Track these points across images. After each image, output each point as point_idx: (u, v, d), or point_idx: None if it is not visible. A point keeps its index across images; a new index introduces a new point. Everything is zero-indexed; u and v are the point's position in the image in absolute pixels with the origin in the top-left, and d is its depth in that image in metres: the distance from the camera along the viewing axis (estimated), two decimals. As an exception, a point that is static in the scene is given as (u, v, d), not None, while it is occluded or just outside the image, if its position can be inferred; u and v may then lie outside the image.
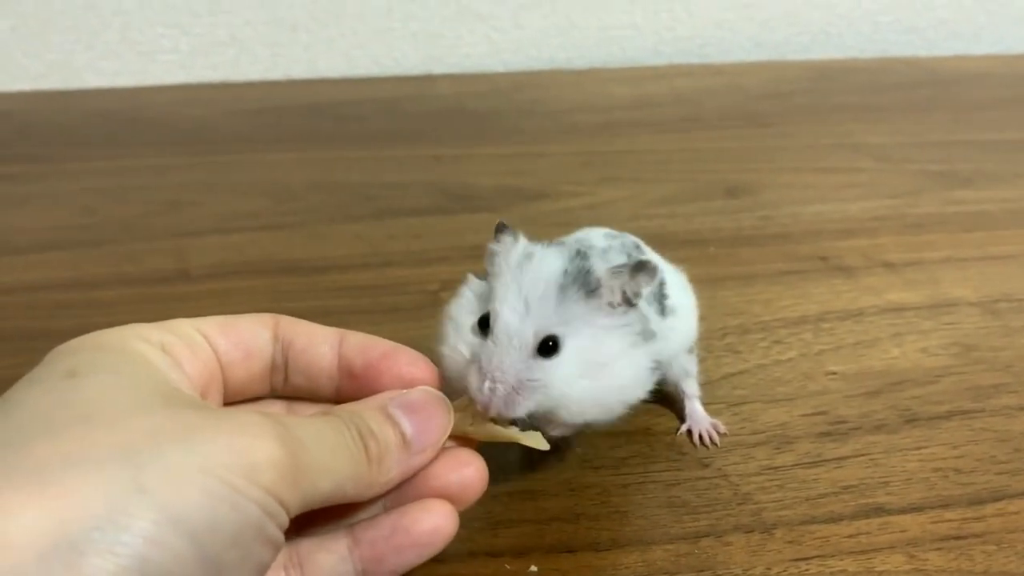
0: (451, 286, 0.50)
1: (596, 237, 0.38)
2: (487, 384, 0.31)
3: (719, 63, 0.90)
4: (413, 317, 0.48)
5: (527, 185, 0.64)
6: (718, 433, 0.39)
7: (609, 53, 0.90)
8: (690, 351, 0.40)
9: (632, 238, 0.39)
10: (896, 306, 0.49)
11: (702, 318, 0.47)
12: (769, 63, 0.90)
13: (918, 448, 0.39)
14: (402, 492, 0.30)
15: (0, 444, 0.23)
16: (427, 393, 0.30)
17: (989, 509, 0.36)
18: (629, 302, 0.32)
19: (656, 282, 0.33)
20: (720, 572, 0.33)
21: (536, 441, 0.32)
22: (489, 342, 0.31)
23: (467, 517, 0.34)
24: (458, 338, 0.33)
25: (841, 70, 0.87)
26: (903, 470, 0.38)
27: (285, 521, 0.25)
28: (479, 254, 0.54)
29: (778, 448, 0.39)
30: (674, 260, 0.53)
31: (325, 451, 0.27)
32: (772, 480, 0.37)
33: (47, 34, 0.82)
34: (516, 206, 0.61)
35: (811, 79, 0.85)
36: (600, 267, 0.32)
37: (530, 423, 0.32)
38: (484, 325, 0.32)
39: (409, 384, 0.31)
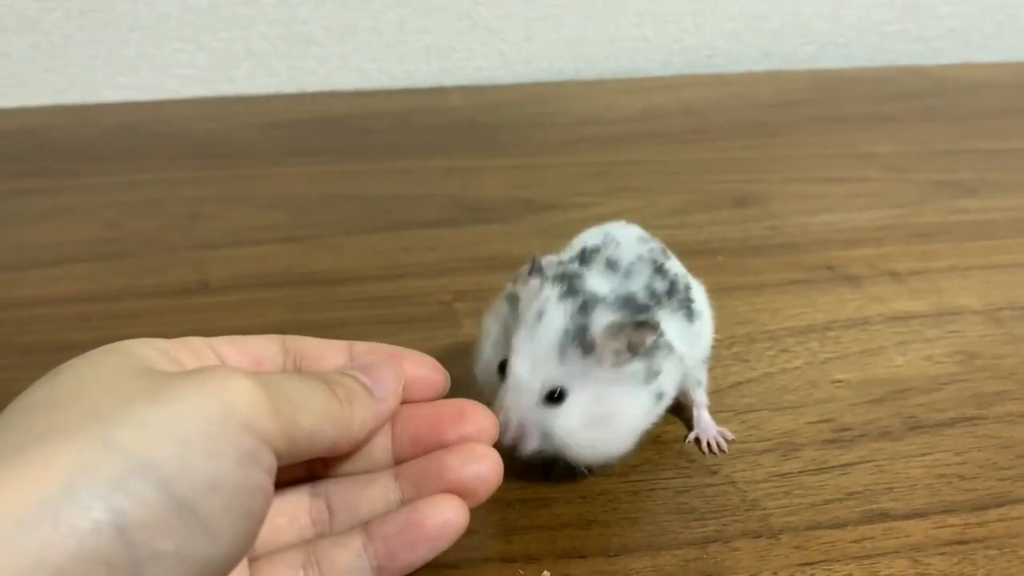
0: (465, 297, 0.52)
1: (627, 241, 0.40)
2: (500, 419, 0.34)
3: (727, 73, 0.91)
4: (428, 327, 0.49)
5: (538, 197, 0.65)
6: (725, 440, 0.40)
7: (618, 65, 0.91)
8: (704, 361, 0.41)
9: (659, 244, 0.41)
10: (901, 315, 0.50)
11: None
12: (777, 73, 0.91)
13: (922, 455, 0.40)
14: (419, 485, 0.31)
15: None
16: (375, 355, 0.33)
17: (992, 515, 0.37)
18: (634, 351, 0.35)
19: (659, 330, 0.36)
20: (728, 576, 0.34)
21: None
22: (504, 387, 0.35)
23: (481, 523, 0.36)
24: (486, 375, 0.37)
25: (848, 80, 0.88)
26: (907, 476, 0.39)
27: (271, 462, 0.26)
28: (492, 265, 0.56)
29: (785, 455, 0.40)
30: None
31: (297, 392, 0.28)
32: (779, 487, 0.38)
33: (67, 50, 0.83)
34: (527, 217, 0.62)
35: (818, 89, 0.86)
36: (599, 324, 0.34)
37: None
38: (503, 370, 0.35)
39: (415, 383, 0.33)
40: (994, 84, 0.86)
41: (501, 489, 0.37)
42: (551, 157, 0.72)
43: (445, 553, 0.33)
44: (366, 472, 0.32)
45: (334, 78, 0.88)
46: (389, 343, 0.34)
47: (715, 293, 0.52)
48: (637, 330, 0.34)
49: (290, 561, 0.30)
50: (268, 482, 0.26)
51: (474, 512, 0.35)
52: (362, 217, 0.62)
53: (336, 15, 0.86)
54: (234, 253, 0.58)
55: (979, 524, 0.36)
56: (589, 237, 0.41)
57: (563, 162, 0.71)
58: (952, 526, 0.36)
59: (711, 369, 0.45)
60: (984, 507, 0.37)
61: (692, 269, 0.54)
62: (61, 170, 0.70)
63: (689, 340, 0.39)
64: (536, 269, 0.37)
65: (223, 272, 0.55)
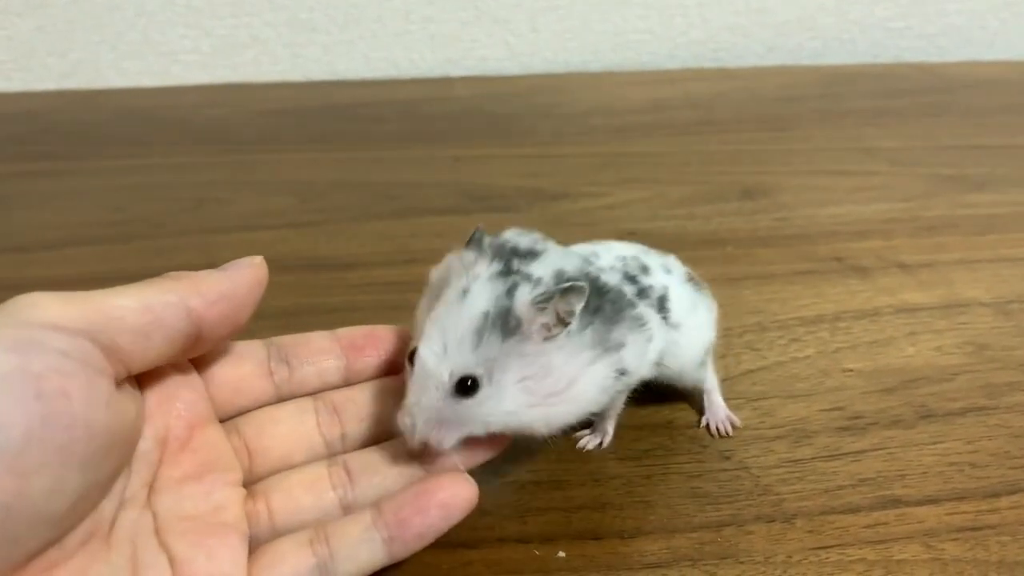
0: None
1: (608, 253, 0.39)
2: (407, 420, 0.32)
3: (733, 67, 0.91)
4: (437, 313, 0.49)
5: (546, 186, 0.65)
6: (732, 426, 0.40)
7: (624, 57, 0.91)
8: (701, 364, 0.40)
9: (641, 261, 0.39)
10: (910, 306, 0.50)
11: (720, 316, 0.48)
12: (782, 68, 0.91)
13: (934, 443, 0.40)
14: None
15: None
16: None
17: (1003, 502, 0.37)
18: (564, 323, 0.32)
19: (583, 300, 0.32)
20: (743, 559, 0.34)
21: None
22: (411, 379, 0.32)
23: (496, 504, 0.36)
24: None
25: (854, 75, 0.88)
26: (919, 464, 0.39)
27: (64, 344, 0.26)
28: None
29: (797, 442, 0.40)
30: (692, 260, 0.54)
31: (111, 290, 0.29)
32: (792, 472, 0.38)
33: (72, 34, 0.83)
34: (536, 206, 0.62)
35: (824, 84, 0.86)
36: (522, 301, 0.32)
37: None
38: (412, 359, 0.32)
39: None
40: (1000, 81, 0.86)
41: (516, 471, 0.38)
42: (559, 147, 0.72)
43: (461, 533, 0.34)
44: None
45: (339, 67, 0.88)
46: (398, 327, 0.36)
47: (725, 283, 0.52)
48: (564, 297, 0.31)
49: (298, 538, 0.30)
50: (65, 362, 0.26)
51: (489, 493, 0.36)
52: (370, 204, 0.62)
53: (341, 4, 0.86)
54: (242, 237, 0.57)
55: (991, 511, 0.36)
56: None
57: (571, 152, 0.71)
58: (965, 513, 0.36)
59: (722, 357, 0.45)
60: (996, 494, 0.37)
61: (701, 259, 0.54)
62: (67, 154, 0.69)
63: (668, 344, 0.37)
64: (475, 241, 0.34)
65: (231, 256, 0.54)
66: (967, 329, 0.48)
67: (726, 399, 0.42)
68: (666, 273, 0.39)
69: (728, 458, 0.39)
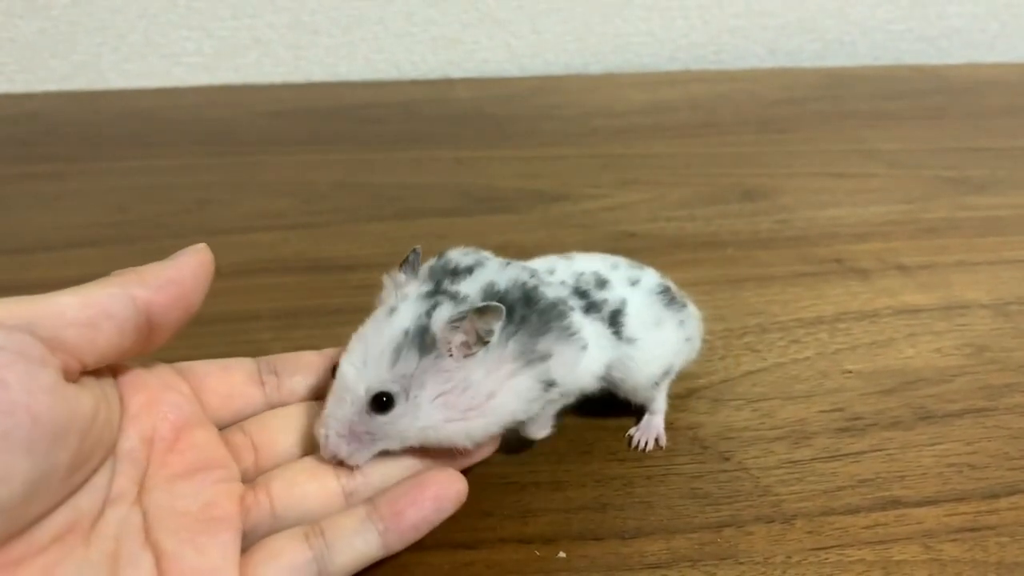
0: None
1: (564, 268, 0.39)
2: (322, 431, 0.33)
3: (734, 70, 0.91)
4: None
5: (547, 187, 0.65)
6: (656, 444, 0.40)
7: (625, 59, 0.91)
8: (655, 386, 0.39)
9: (602, 275, 0.39)
10: (910, 308, 0.50)
11: (720, 318, 0.48)
12: (783, 70, 0.91)
13: (933, 444, 0.40)
14: None
15: None
16: None
17: (1002, 503, 0.37)
18: (484, 341, 0.32)
19: (500, 321, 0.32)
20: (742, 560, 0.34)
21: None
22: (331, 390, 0.33)
23: (497, 505, 0.36)
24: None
25: (854, 77, 0.88)
26: (918, 465, 0.39)
27: (8, 339, 0.27)
28: (503, 253, 0.54)
29: (797, 443, 0.40)
30: (693, 262, 0.55)
31: (60, 291, 0.29)
32: (791, 473, 0.38)
33: (74, 36, 0.83)
34: (537, 207, 0.62)
35: (825, 86, 0.86)
36: (439, 320, 0.32)
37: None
38: (335, 373, 0.34)
39: None
40: (1001, 83, 0.87)
41: (516, 472, 0.38)
42: (559, 149, 0.72)
43: (462, 534, 0.34)
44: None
45: (341, 68, 0.88)
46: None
47: (726, 285, 0.52)
48: (480, 316, 0.32)
49: (293, 533, 0.31)
50: (5, 356, 0.26)
51: (490, 494, 0.36)
52: (372, 205, 0.62)
53: (343, 6, 0.86)
54: (244, 239, 0.58)
55: (990, 512, 0.36)
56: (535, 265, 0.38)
57: (572, 154, 0.71)
58: (964, 514, 0.36)
59: (722, 359, 0.46)
60: (995, 495, 0.37)
61: (702, 261, 0.55)
62: (69, 155, 0.70)
63: (620, 358, 0.37)
64: (408, 263, 0.35)
65: (233, 258, 0.55)
66: (966, 331, 0.48)
67: (727, 399, 0.42)
68: (630, 286, 0.39)
69: (728, 459, 0.39)
